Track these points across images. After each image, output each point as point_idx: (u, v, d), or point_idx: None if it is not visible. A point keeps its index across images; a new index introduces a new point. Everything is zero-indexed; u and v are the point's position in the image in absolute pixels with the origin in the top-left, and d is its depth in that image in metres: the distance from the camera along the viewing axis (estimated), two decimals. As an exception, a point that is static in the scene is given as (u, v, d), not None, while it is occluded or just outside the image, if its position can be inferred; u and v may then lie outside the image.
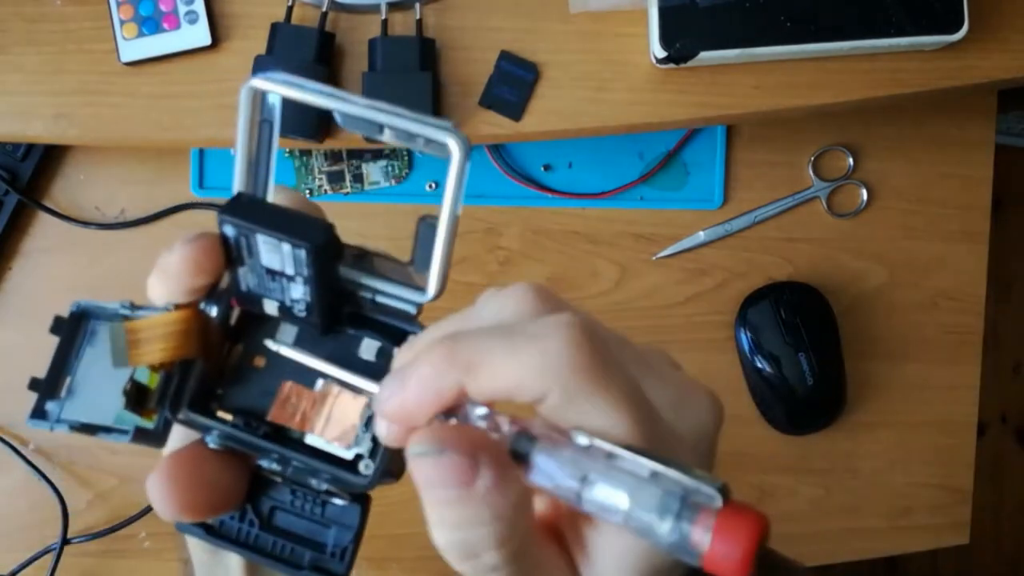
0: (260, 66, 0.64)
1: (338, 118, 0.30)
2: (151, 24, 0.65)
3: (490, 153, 0.81)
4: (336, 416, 0.32)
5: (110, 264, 0.81)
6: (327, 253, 0.30)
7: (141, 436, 0.32)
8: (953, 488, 0.86)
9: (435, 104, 0.65)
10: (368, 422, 0.32)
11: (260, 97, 0.31)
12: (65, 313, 0.33)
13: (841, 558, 0.86)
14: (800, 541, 0.85)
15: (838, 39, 0.64)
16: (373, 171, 0.81)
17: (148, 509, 0.79)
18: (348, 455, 0.32)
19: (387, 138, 0.30)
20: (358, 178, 0.81)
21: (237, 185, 0.32)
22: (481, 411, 0.27)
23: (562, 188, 0.82)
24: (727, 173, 0.83)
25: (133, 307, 0.32)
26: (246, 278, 0.32)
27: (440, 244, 0.31)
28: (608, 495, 0.25)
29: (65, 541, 0.78)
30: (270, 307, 0.32)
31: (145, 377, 0.32)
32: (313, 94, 0.29)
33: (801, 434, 0.84)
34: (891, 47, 0.66)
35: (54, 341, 0.32)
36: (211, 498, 0.32)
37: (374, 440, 0.31)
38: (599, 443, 0.26)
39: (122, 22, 0.66)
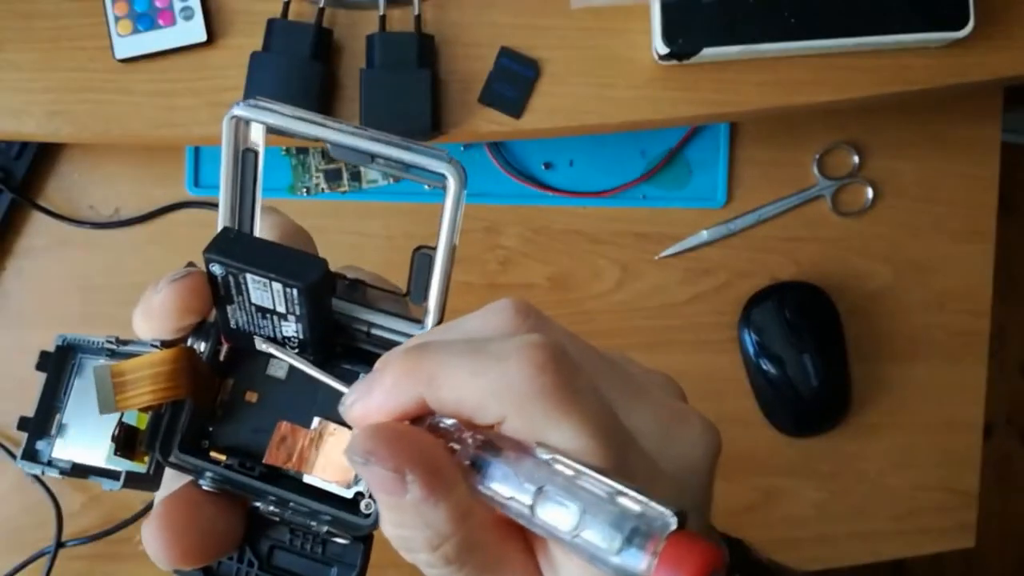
0: (256, 63, 0.63)
1: (329, 147, 0.29)
2: (146, 20, 0.65)
3: (490, 151, 0.80)
4: (334, 455, 0.31)
5: (105, 263, 0.80)
6: (320, 290, 0.29)
7: (133, 481, 0.31)
8: (959, 491, 0.86)
9: (434, 101, 0.64)
10: None
11: (244, 126, 0.30)
12: (51, 346, 0.33)
13: (846, 562, 0.85)
14: (804, 544, 0.84)
15: (843, 36, 0.64)
16: (371, 169, 0.80)
17: (143, 512, 0.78)
18: (348, 494, 0.31)
19: (379, 167, 0.29)
20: (356, 176, 0.80)
21: (222, 219, 0.31)
22: (449, 420, 0.26)
23: (563, 187, 0.81)
24: (730, 171, 0.83)
25: (119, 342, 0.32)
26: (235, 315, 0.31)
27: (437, 275, 0.30)
28: (559, 513, 0.25)
29: (59, 544, 0.78)
30: (261, 344, 0.31)
31: (134, 419, 0.31)
32: (300, 124, 0.29)
33: (806, 436, 0.83)
34: (897, 44, 0.65)
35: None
36: (209, 543, 0.32)
37: None
38: (560, 459, 0.25)
39: (117, 18, 0.65)
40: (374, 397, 0.27)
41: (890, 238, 0.84)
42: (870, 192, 0.83)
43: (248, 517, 0.33)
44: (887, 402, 0.85)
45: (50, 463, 0.33)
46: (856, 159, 0.83)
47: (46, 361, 0.34)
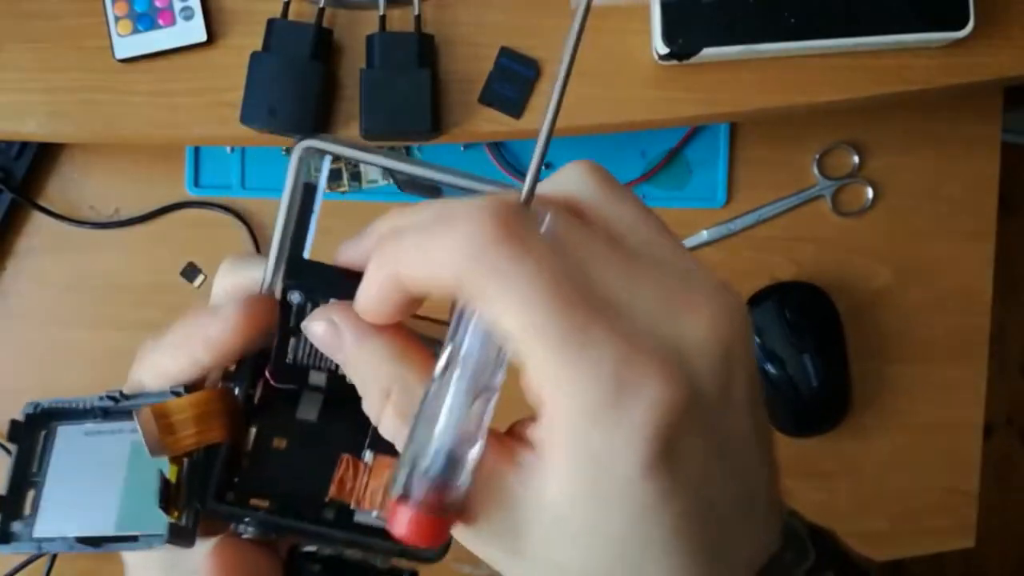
0: (256, 63, 0.63)
1: (400, 178, 0.29)
2: (146, 20, 0.65)
3: (490, 151, 0.80)
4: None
5: (105, 263, 0.80)
6: None
7: (175, 536, 0.29)
8: (959, 491, 0.86)
9: (434, 101, 0.64)
10: None
11: (312, 157, 0.30)
12: (20, 416, 0.30)
13: (846, 562, 0.85)
14: (804, 544, 0.84)
15: (843, 36, 0.64)
16: (371, 169, 0.80)
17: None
18: None
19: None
20: (356, 176, 0.80)
21: (276, 247, 0.30)
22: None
23: (563, 187, 0.81)
24: (730, 171, 0.82)
25: (123, 397, 0.30)
26: (295, 349, 0.30)
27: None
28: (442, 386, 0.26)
29: (60, 544, 0.78)
30: (317, 378, 0.31)
31: (165, 470, 0.29)
32: (374, 157, 0.29)
33: (806, 436, 0.83)
34: (897, 44, 0.65)
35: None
36: None
37: None
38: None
39: (117, 18, 0.65)
40: (361, 302, 0.27)
41: (890, 238, 0.84)
42: (870, 192, 0.83)
43: (285, 570, 0.32)
44: (887, 402, 0.85)
45: (40, 545, 0.31)
46: (856, 159, 0.83)
47: (17, 431, 0.31)
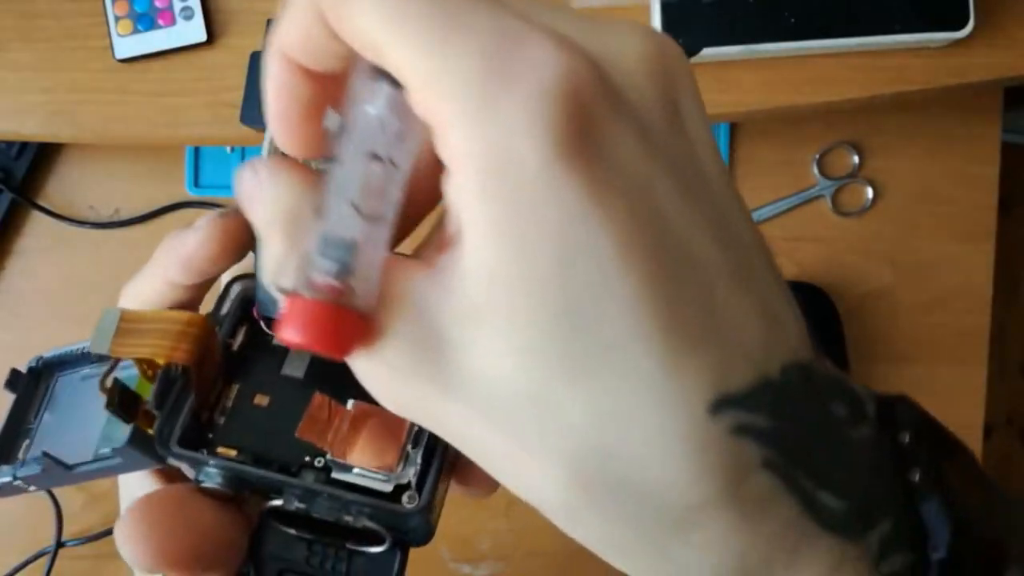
0: (257, 63, 0.63)
1: None
2: (146, 20, 0.65)
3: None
4: (375, 440, 0.28)
5: (104, 263, 0.80)
6: None
7: (139, 442, 0.27)
8: (959, 491, 0.86)
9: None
10: (415, 439, 0.28)
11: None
12: (23, 368, 0.29)
13: (846, 562, 0.85)
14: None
15: (843, 36, 0.64)
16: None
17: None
18: (387, 487, 0.27)
19: None
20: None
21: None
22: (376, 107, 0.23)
23: (563, 187, 0.81)
24: (730, 171, 0.82)
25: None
26: None
27: None
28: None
29: (59, 544, 0.78)
30: None
31: (134, 383, 0.28)
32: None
33: (805, 436, 0.83)
34: (896, 44, 0.65)
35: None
36: (204, 550, 0.27)
37: (424, 461, 0.28)
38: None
39: (117, 18, 0.65)
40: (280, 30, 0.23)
41: (890, 238, 0.84)
42: (870, 192, 0.83)
43: (252, 536, 0.29)
44: (887, 402, 0.85)
45: (15, 472, 0.29)
46: (856, 159, 0.83)
47: (16, 381, 0.31)
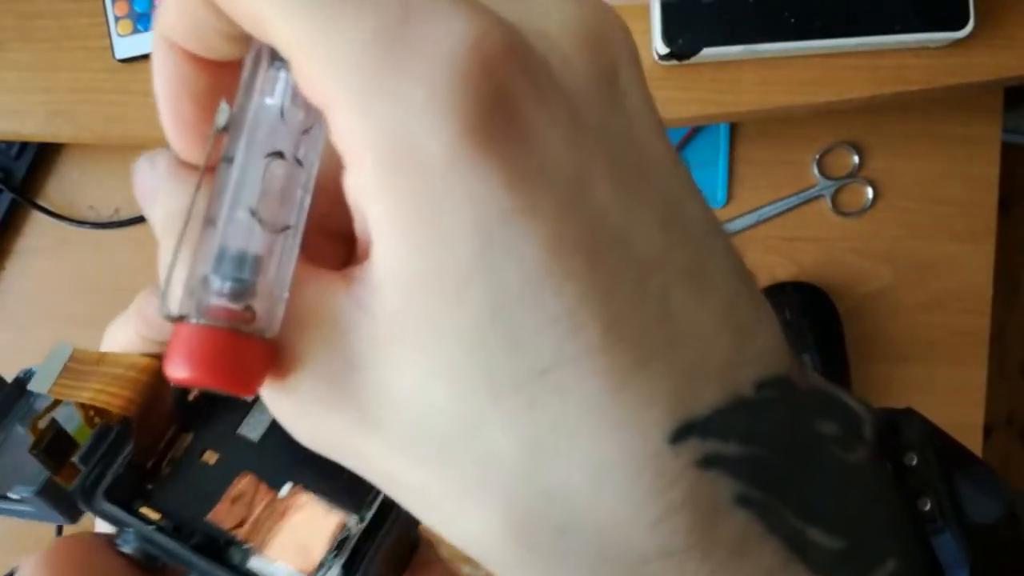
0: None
1: None
2: (146, 20, 0.65)
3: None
4: (300, 534, 0.25)
5: (104, 264, 0.80)
6: None
7: (52, 495, 0.25)
8: (959, 491, 0.86)
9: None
10: (340, 546, 0.25)
11: None
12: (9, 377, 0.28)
13: (846, 562, 0.85)
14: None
15: (843, 36, 0.64)
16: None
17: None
18: None
19: None
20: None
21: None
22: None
23: (563, 187, 0.81)
24: (730, 171, 0.82)
25: None
26: None
27: None
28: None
29: (60, 544, 0.78)
30: None
31: (73, 427, 0.26)
32: None
33: (805, 436, 0.83)
34: (897, 44, 0.65)
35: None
36: None
37: (346, 569, 0.24)
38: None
39: (117, 19, 0.65)
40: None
41: (890, 238, 0.84)
42: (870, 192, 0.83)
43: None
44: (887, 402, 0.84)
45: None
46: (856, 159, 0.83)
47: None
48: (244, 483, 0.25)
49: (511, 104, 0.17)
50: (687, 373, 0.18)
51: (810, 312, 0.80)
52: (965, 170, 0.85)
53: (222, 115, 0.20)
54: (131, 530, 0.25)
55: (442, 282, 0.17)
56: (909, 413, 0.22)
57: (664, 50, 0.62)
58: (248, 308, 0.18)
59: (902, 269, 0.84)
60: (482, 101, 0.17)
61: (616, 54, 0.19)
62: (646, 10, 0.64)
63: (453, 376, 0.18)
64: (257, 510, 0.25)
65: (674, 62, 0.64)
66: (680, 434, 0.18)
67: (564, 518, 0.18)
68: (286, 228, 0.19)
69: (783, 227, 0.83)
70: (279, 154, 0.19)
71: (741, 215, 0.82)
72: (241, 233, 0.19)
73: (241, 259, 0.19)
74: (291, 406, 0.19)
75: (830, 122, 0.83)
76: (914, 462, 0.21)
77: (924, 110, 0.84)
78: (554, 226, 0.17)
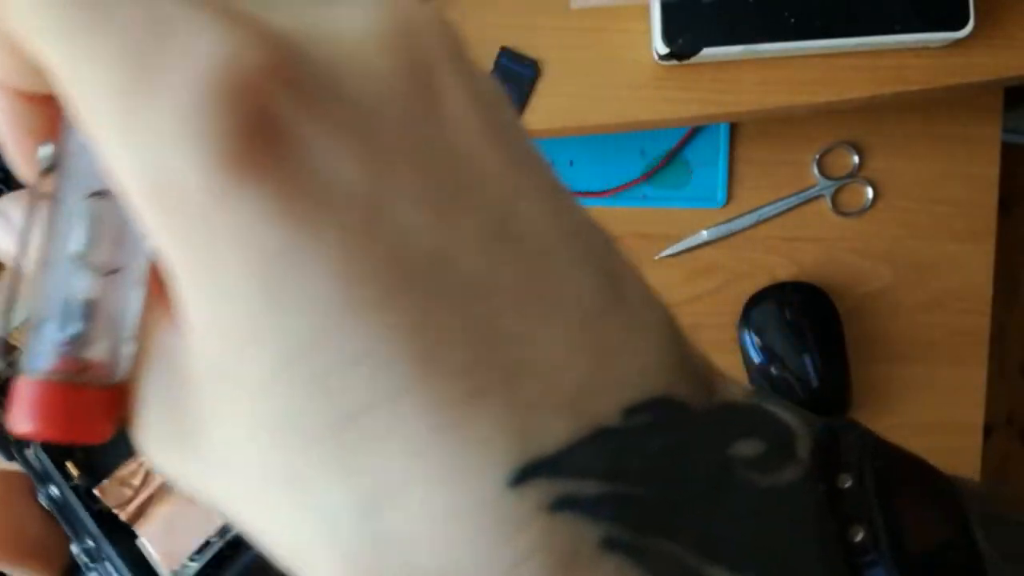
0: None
1: None
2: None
3: (490, 151, 0.80)
4: (174, 526, 0.25)
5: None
6: None
7: None
8: (959, 491, 0.86)
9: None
10: (201, 551, 0.25)
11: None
12: None
13: (846, 561, 0.85)
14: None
15: (843, 36, 0.64)
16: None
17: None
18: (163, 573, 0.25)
19: None
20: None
21: None
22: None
23: (563, 187, 0.81)
24: (730, 171, 0.83)
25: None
26: None
27: None
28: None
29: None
30: None
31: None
32: None
33: (805, 436, 0.83)
34: (897, 44, 0.65)
35: None
36: (19, 541, 0.25)
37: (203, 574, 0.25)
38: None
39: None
40: None
41: (890, 238, 0.84)
42: (870, 192, 0.83)
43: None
44: (887, 402, 0.85)
45: None
46: (856, 159, 0.83)
47: None
48: (136, 465, 0.25)
49: (277, 125, 0.16)
50: (530, 405, 0.16)
51: (810, 312, 0.81)
52: (965, 170, 0.85)
53: (44, 154, 0.18)
54: (52, 485, 0.25)
55: (231, 330, 0.16)
56: (850, 426, 0.20)
57: (664, 50, 0.63)
58: (81, 360, 0.18)
59: (902, 269, 0.85)
60: (240, 126, 0.15)
61: (428, 53, 0.17)
62: (646, 10, 0.64)
63: (265, 425, 0.16)
64: (144, 494, 0.25)
65: (674, 62, 0.64)
66: (522, 475, 0.16)
67: (409, 570, 0.16)
68: (118, 270, 0.18)
69: (783, 227, 0.83)
70: (104, 193, 0.18)
71: (741, 215, 0.82)
72: (71, 278, 0.18)
73: (70, 307, 0.18)
74: (145, 443, 0.18)
75: (830, 122, 0.83)
76: (848, 484, 0.19)
77: (924, 110, 0.84)
78: (344, 256, 0.16)
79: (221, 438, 0.17)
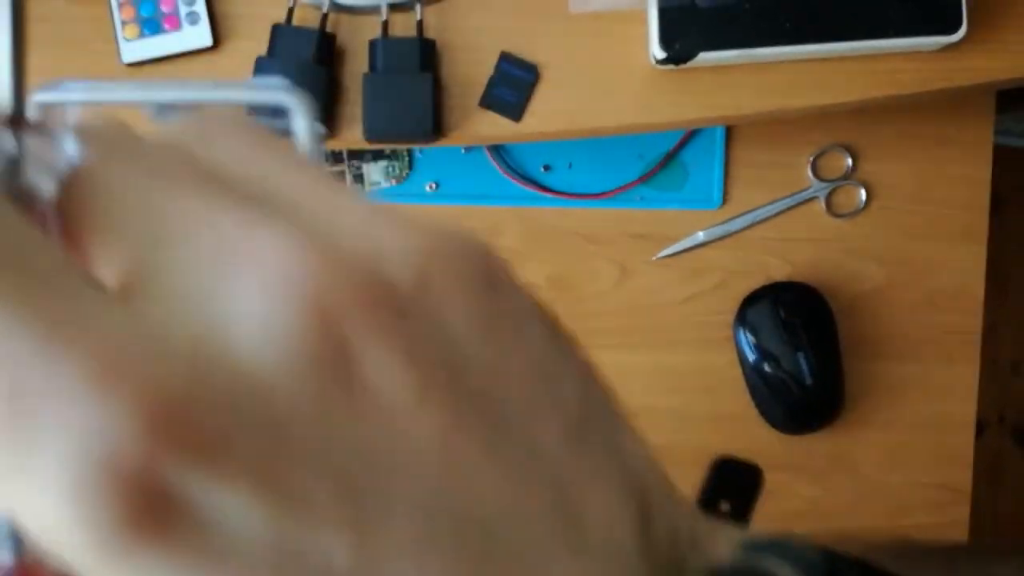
0: (261, 67, 0.64)
1: (152, 111, 0.23)
2: (152, 25, 0.66)
3: (490, 153, 0.81)
4: None
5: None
6: None
7: None
8: (951, 488, 0.87)
9: (435, 105, 0.65)
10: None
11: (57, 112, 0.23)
12: None
13: (840, 557, 0.86)
14: (799, 540, 0.85)
15: (837, 40, 0.64)
16: (373, 171, 0.81)
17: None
18: None
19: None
20: (359, 178, 0.81)
21: None
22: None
23: (562, 188, 0.82)
24: (726, 173, 0.83)
25: None
26: None
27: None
28: None
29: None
30: None
31: None
32: (117, 94, 0.23)
33: (800, 433, 0.84)
34: (890, 48, 0.66)
35: None
36: None
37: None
38: None
39: (123, 23, 0.66)
40: None
41: (883, 239, 0.85)
42: (863, 194, 0.84)
43: None
44: (880, 400, 0.86)
45: None
46: (849, 161, 0.84)
47: None
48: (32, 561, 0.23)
49: (165, 496, 0.14)
50: None
51: (804, 311, 0.81)
52: (957, 172, 0.85)
53: None
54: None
55: None
56: (783, 549, 0.18)
57: (661, 54, 0.63)
58: None
59: (895, 269, 0.85)
60: (123, 508, 0.13)
61: (349, 332, 0.15)
62: (644, 15, 0.65)
63: None
64: None
65: (671, 66, 0.65)
66: None
67: None
68: None
69: (778, 228, 0.84)
70: None
71: (737, 216, 0.83)
72: None
73: None
74: None
75: (824, 125, 0.84)
76: None
77: (917, 113, 0.84)
78: None
79: None
